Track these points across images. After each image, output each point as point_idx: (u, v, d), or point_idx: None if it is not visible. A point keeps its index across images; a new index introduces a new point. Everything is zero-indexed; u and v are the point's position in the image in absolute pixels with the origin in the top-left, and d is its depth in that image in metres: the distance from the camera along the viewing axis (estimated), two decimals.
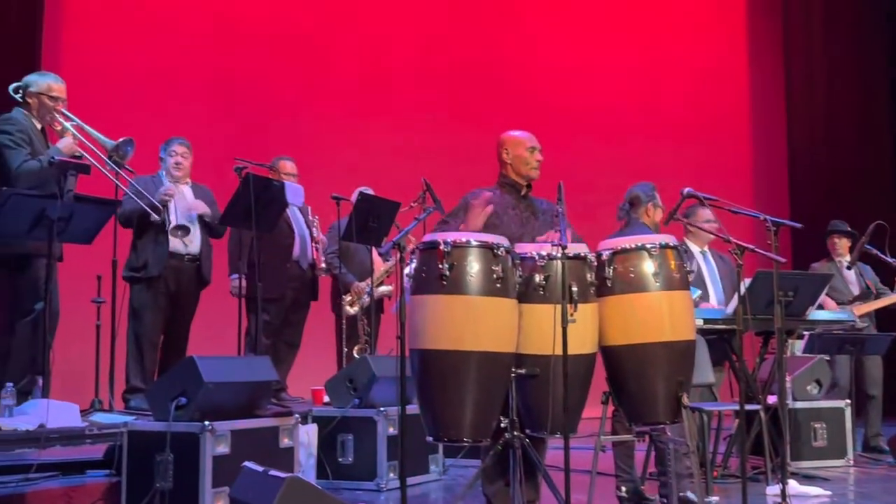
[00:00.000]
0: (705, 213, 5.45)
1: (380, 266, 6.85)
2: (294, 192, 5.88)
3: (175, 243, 5.67)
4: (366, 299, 6.73)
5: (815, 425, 6.23)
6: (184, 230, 5.58)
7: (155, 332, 5.70)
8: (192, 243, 5.75)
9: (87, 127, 4.99)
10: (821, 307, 6.53)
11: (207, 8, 9.15)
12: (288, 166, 6.42)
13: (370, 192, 6.45)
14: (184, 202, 5.77)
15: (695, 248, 5.64)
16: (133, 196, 5.55)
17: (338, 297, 6.79)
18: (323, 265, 6.47)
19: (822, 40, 10.65)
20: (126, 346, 5.65)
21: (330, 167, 8.62)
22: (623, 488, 4.69)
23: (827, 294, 6.83)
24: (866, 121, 10.53)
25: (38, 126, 4.98)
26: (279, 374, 6.12)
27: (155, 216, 5.45)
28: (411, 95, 9.65)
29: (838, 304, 6.86)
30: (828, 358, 6.78)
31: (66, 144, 4.84)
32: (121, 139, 4.97)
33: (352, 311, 6.78)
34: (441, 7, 9.95)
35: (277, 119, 9.11)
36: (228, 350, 5.74)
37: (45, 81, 5.02)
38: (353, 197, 6.39)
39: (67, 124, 4.92)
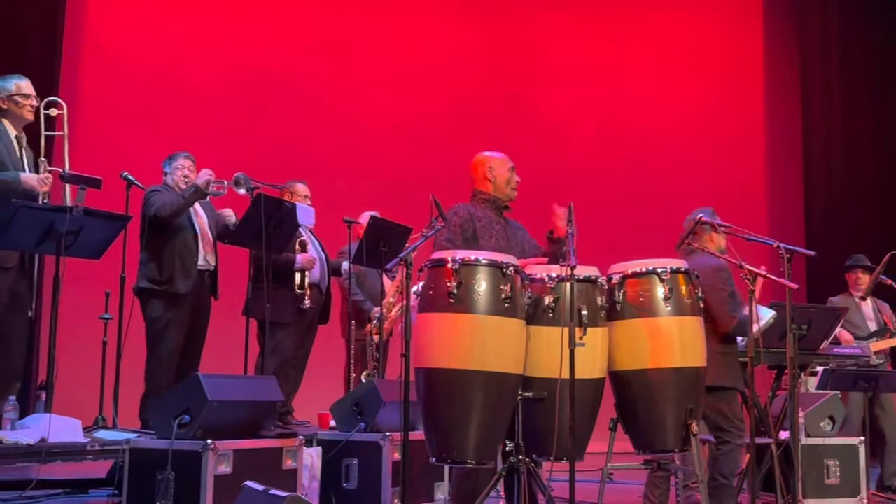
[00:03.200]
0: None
1: (390, 291, 6.81)
2: (305, 214, 5.87)
3: (200, 260, 5.65)
4: (385, 323, 6.70)
5: (828, 462, 6.11)
6: (244, 179, 5.61)
7: (177, 348, 5.63)
8: (212, 260, 5.75)
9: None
10: (836, 341, 6.46)
11: (225, 27, 9.22)
12: (301, 189, 6.40)
13: (379, 216, 6.43)
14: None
15: None
16: (160, 191, 5.59)
17: (348, 322, 6.74)
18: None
19: (839, 69, 10.60)
20: (146, 363, 5.58)
21: (340, 189, 8.62)
22: None
23: (844, 328, 6.76)
24: (884, 151, 10.44)
25: (13, 132, 4.93)
26: (286, 396, 6.08)
27: (213, 190, 5.59)
28: (426, 120, 9.66)
29: (855, 339, 6.77)
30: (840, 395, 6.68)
31: (28, 180, 4.77)
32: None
33: (377, 339, 6.72)
34: (455, 38, 9.99)
35: (288, 140, 9.13)
36: (237, 369, 5.71)
37: (11, 83, 4.99)
38: (363, 220, 6.38)
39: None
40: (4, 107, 4.92)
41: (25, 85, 5.00)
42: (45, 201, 4.82)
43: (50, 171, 4.96)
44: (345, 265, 6.47)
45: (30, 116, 4.99)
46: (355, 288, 6.72)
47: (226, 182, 5.64)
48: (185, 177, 5.79)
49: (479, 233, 4.06)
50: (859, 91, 10.51)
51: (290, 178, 6.56)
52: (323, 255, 6.39)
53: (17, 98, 4.93)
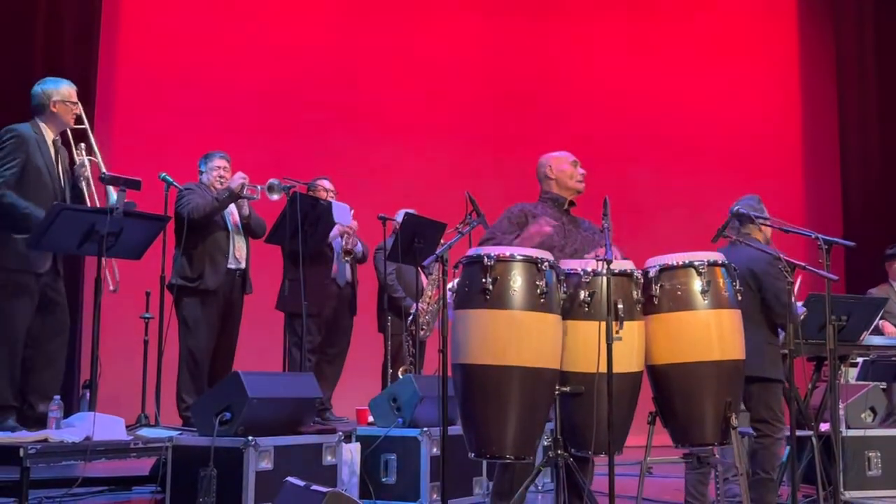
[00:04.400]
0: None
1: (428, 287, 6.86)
2: (341, 212, 5.91)
3: (231, 259, 5.70)
4: (427, 318, 6.75)
5: (870, 454, 6.05)
6: (277, 187, 5.69)
7: (209, 346, 5.70)
8: (242, 259, 5.80)
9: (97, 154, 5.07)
10: (878, 331, 6.40)
11: (256, 28, 9.29)
12: (325, 184, 6.43)
13: (414, 213, 6.47)
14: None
15: None
16: (193, 191, 5.65)
17: (384, 317, 6.79)
18: (358, 249, 6.44)
19: (875, 58, 10.42)
20: (179, 361, 5.66)
21: (374, 187, 8.66)
22: None
23: (886, 320, 6.68)
24: None
25: (51, 136, 4.96)
26: (323, 393, 6.14)
27: (247, 194, 5.64)
28: (458, 116, 9.67)
29: None
30: (883, 386, 6.61)
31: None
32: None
33: (421, 334, 6.78)
34: (487, 30, 9.97)
35: (323, 137, 9.18)
36: (274, 366, 5.76)
37: (63, 86, 5.02)
38: (397, 217, 6.41)
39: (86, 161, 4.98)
40: (55, 110, 4.94)
41: (74, 92, 5.05)
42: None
43: (90, 159, 5.00)
44: (359, 247, 6.47)
45: (72, 123, 5.02)
46: (397, 284, 6.79)
47: (259, 187, 5.69)
48: (221, 177, 5.84)
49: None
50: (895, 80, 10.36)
51: (324, 172, 6.61)
52: (340, 252, 6.41)
53: (68, 104, 4.98)
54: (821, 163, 10.60)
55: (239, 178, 5.64)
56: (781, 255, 4.08)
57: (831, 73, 10.63)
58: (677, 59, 10.32)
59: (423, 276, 6.80)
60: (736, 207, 4.63)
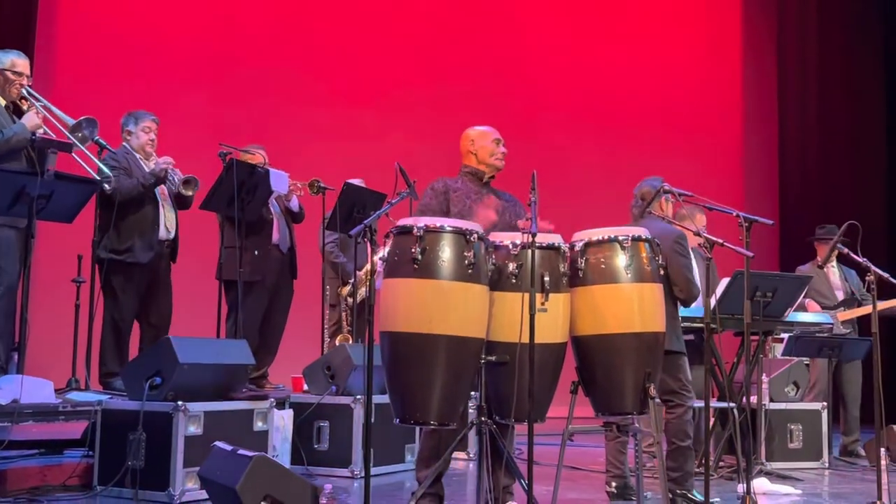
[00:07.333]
0: (703, 220, 5.43)
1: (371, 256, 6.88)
2: (278, 179, 5.89)
3: (161, 231, 5.60)
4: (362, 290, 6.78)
5: (791, 426, 6.26)
6: (194, 182, 5.56)
7: (132, 316, 5.56)
8: (172, 229, 5.64)
9: (52, 107, 5.00)
10: (803, 309, 6.57)
11: None
12: (260, 153, 6.26)
13: (357, 182, 6.46)
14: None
15: None
16: (120, 169, 5.50)
17: (324, 286, 6.80)
18: (294, 204, 6.40)
19: (816, 44, 10.66)
20: (102, 330, 5.52)
21: (315, 157, 8.63)
22: (613, 483, 4.70)
23: (812, 298, 6.86)
24: (858, 124, 10.55)
25: (3, 102, 4.93)
26: (265, 361, 6.15)
27: (170, 178, 5.49)
28: (405, 88, 9.67)
29: (823, 308, 6.87)
30: (807, 361, 6.82)
31: (30, 119, 4.81)
32: (81, 118, 4.96)
33: (350, 301, 6.81)
34: (436, 4, 9.98)
35: (265, 106, 9.12)
36: (210, 334, 5.75)
37: (7, 57, 4.99)
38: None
39: (37, 104, 4.93)
40: None
41: (22, 63, 5.01)
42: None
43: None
44: (294, 202, 6.43)
45: (15, 94, 4.97)
46: (337, 251, 6.80)
47: (177, 179, 5.57)
48: (152, 140, 5.67)
49: (451, 203, 4.14)
50: (835, 63, 10.59)
51: (262, 142, 6.56)
52: (283, 219, 6.35)
53: (8, 73, 4.95)
54: (759, 144, 10.81)
55: (163, 164, 5.47)
56: (700, 231, 4.19)
57: (772, 54, 10.82)
58: (619, 38, 10.43)
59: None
60: (643, 187, 4.74)
